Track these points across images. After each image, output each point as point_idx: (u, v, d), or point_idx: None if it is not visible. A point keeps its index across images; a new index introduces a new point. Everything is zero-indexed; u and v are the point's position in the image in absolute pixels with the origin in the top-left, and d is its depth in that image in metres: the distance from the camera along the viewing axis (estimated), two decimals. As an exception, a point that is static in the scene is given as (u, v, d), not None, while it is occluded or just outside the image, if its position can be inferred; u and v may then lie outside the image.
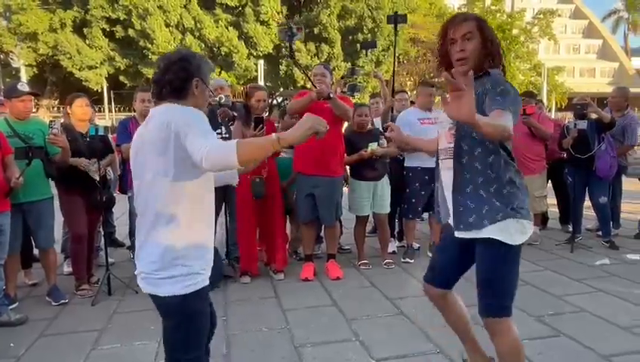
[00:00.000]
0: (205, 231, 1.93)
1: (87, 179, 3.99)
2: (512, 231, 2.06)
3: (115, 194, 4.74)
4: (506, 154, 2.08)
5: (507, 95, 1.97)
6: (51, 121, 3.81)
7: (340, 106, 4.29)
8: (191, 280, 1.86)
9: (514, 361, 2.17)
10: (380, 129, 4.96)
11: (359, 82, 6.03)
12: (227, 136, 4.62)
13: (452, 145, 2.14)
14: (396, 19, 5.83)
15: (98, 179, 4.02)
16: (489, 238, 2.06)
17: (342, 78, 5.86)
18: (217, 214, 4.80)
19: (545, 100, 23.05)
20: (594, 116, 5.24)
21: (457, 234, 2.15)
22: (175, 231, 1.83)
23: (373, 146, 4.56)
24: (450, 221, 2.23)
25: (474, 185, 2.09)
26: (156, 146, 1.79)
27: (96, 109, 4.45)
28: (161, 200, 1.82)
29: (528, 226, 2.10)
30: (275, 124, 4.91)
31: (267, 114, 4.54)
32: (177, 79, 1.89)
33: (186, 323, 1.90)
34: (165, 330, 1.93)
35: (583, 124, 5.22)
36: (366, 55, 23.27)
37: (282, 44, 25.35)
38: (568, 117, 16.12)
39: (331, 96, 4.18)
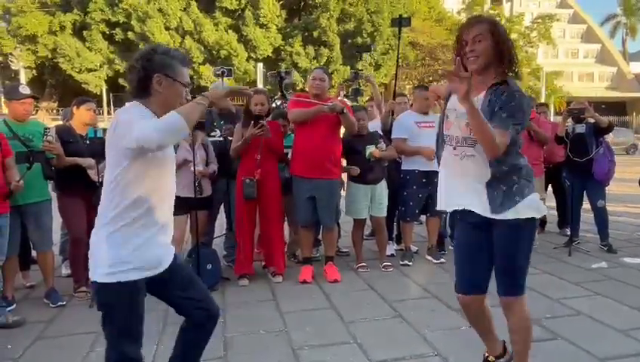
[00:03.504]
0: (148, 226, 1.91)
1: (87, 181, 3.99)
2: (536, 204, 2.26)
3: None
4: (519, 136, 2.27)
5: (515, 113, 2.12)
6: (46, 129, 3.83)
7: (350, 121, 4.38)
8: (110, 269, 1.85)
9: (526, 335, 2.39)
10: (380, 132, 4.98)
11: (361, 87, 6.08)
12: (222, 139, 4.65)
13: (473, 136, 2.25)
14: (400, 22, 5.83)
15: (98, 180, 4.02)
16: (515, 219, 2.20)
17: (345, 81, 5.89)
18: (215, 217, 4.83)
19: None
20: (591, 120, 5.27)
21: (494, 216, 2.24)
22: (114, 222, 1.87)
23: (370, 149, 4.58)
24: (465, 206, 2.32)
25: (501, 170, 2.21)
26: (109, 143, 1.88)
27: (97, 112, 4.46)
28: (106, 192, 1.90)
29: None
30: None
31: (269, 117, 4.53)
32: (137, 78, 1.92)
33: (104, 313, 1.93)
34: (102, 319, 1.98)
35: (581, 128, 5.25)
36: (360, 58, 23.41)
37: (282, 48, 25.44)
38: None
39: (344, 111, 4.23)
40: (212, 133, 4.72)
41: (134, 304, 1.93)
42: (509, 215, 2.21)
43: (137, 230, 1.89)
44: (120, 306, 1.90)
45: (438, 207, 2.49)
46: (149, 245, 1.92)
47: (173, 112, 1.78)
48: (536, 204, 2.27)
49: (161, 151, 1.89)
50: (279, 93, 5.60)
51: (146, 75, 1.90)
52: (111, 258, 1.86)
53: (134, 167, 1.84)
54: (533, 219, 2.27)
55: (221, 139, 4.67)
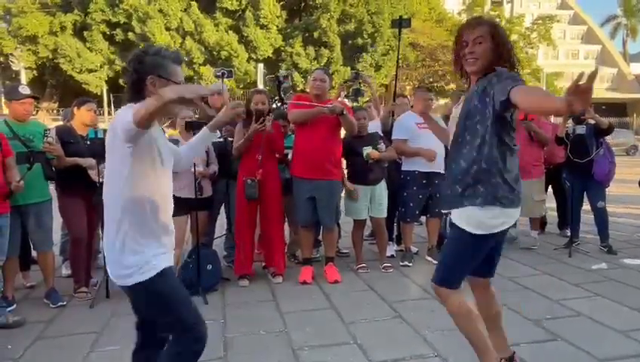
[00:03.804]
0: (159, 217, 1.96)
1: (88, 181, 4.00)
2: (481, 219, 2.21)
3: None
4: (506, 147, 2.21)
5: (508, 78, 2.08)
6: (46, 130, 3.84)
7: (349, 122, 4.39)
8: (146, 266, 1.90)
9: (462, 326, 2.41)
10: (380, 133, 4.98)
11: (362, 87, 6.08)
12: (222, 140, 4.66)
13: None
14: (400, 23, 5.83)
15: (98, 180, 4.02)
16: (453, 221, 2.30)
17: (345, 82, 5.87)
18: (215, 218, 4.83)
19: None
20: (592, 121, 5.27)
21: (443, 210, 2.37)
22: (124, 227, 1.89)
23: (367, 150, 4.58)
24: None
25: (467, 173, 2.22)
26: (108, 147, 1.88)
27: (98, 113, 4.47)
28: (112, 198, 1.90)
29: (504, 214, 2.24)
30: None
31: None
32: (130, 82, 1.92)
33: (157, 299, 1.95)
34: (151, 315, 2.02)
35: (581, 129, 5.26)
36: (357, 60, 23.54)
37: (282, 49, 25.43)
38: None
39: (344, 113, 4.24)
40: None
41: (177, 285, 2.00)
42: (454, 215, 2.30)
43: (144, 233, 1.91)
44: (166, 293, 1.94)
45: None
46: (155, 246, 1.95)
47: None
48: (480, 219, 2.21)
49: (158, 153, 1.90)
50: (278, 97, 5.62)
51: (138, 77, 1.89)
52: (135, 263, 1.90)
53: (134, 172, 1.85)
54: (467, 232, 2.24)
55: (221, 139, 4.68)
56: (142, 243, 1.91)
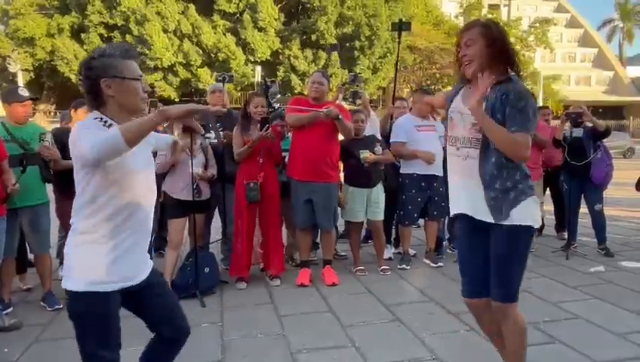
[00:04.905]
0: (109, 240, 1.82)
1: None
2: (534, 211, 2.24)
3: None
4: None
5: (527, 113, 2.13)
6: (42, 134, 3.83)
7: (346, 126, 4.38)
8: (83, 279, 1.81)
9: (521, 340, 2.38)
10: (378, 136, 4.98)
11: (360, 89, 6.09)
12: (216, 141, 4.65)
13: (479, 136, 2.23)
14: (400, 26, 5.83)
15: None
16: (513, 225, 2.19)
17: (343, 85, 5.86)
18: (210, 219, 4.82)
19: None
20: (589, 124, 5.28)
21: (496, 221, 2.22)
22: (78, 237, 1.83)
23: (365, 154, 4.58)
24: (463, 211, 2.32)
25: (502, 175, 2.19)
26: (72, 157, 1.80)
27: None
28: (76, 203, 1.84)
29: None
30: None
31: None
32: (86, 90, 1.85)
33: (76, 323, 1.90)
34: None
35: (578, 132, 5.27)
36: (356, 63, 23.77)
37: (280, 51, 25.47)
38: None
39: (340, 117, 4.25)
40: (207, 135, 4.71)
41: (108, 315, 1.89)
42: (508, 220, 2.19)
43: (108, 239, 1.81)
44: (93, 316, 1.86)
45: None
46: (120, 255, 1.85)
47: (115, 128, 1.68)
48: (534, 210, 2.24)
49: (127, 160, 1.80)
50: (266, 102, 5.66)
51: (92, 83, 1.82)
52: (83, 267, 1.81)
53: (97, 178, 1.77)
54: (530, 226, 2.24)
55: (215, 141, 4.66)
56: (98, 252, 1.81)
